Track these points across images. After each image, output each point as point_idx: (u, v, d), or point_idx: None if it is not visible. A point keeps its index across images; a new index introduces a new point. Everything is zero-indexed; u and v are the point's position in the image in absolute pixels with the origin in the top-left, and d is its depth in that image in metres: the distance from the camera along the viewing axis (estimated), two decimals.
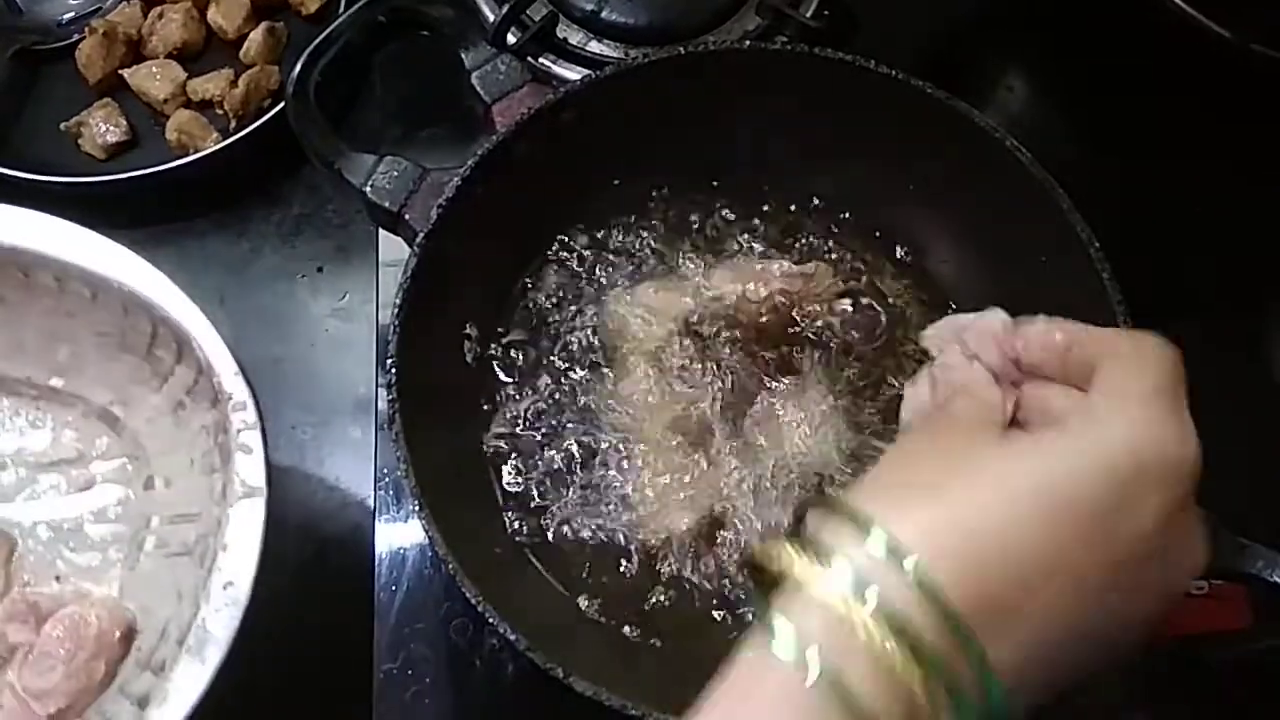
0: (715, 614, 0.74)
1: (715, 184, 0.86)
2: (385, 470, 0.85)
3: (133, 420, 0.80)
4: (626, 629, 0.73)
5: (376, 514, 0.84)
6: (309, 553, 0.85)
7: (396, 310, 0.70)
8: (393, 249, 0.87)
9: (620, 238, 0.84)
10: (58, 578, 0.78)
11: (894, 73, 0.76)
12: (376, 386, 0.88)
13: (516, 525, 0.76)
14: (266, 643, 0.78)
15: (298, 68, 0.76)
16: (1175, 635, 0.83)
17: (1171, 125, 1.00)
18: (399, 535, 0.84)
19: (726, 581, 0.75)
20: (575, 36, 0.97)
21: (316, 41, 0.76)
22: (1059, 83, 1.06)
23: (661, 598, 0.74)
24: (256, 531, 0.65)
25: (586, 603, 0.74)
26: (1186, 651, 0.83)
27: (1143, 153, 1.00)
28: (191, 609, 0.65)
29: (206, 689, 0.62)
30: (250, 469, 0.67)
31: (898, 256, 0.84)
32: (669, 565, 0.75)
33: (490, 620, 0.63)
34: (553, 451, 0.78)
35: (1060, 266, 0.74)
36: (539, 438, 0.78)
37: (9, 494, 0.80)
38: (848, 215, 0.85)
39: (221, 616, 0.63)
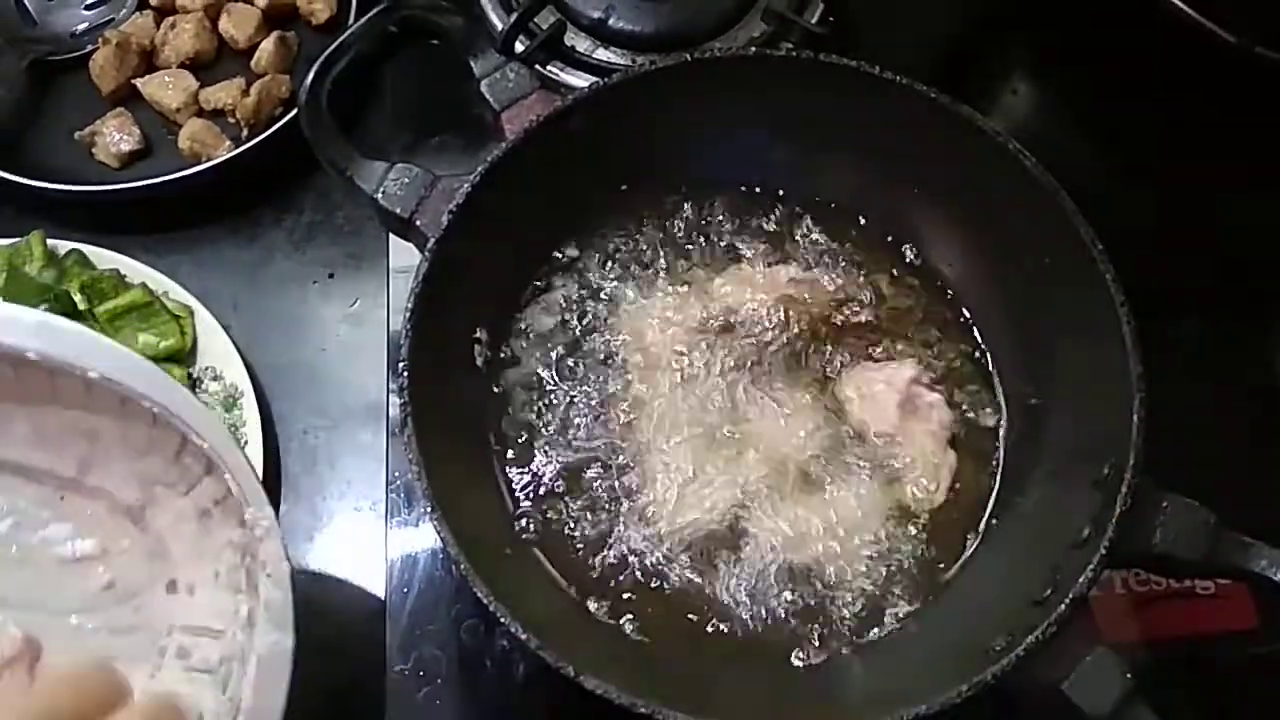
0: (722, 624, 0.75)
1: (723, 189, 0.87)
2: (396, 474, 0.86)
3: (157, 520, 0.76)
4: (633, 631, 0.74)
5: (388, 517, 0.85)
6: (320, 555, 0.86)
7: (408, 314, 0.71)
8: (404, 256, 0.88)
9: (628, 243, 0.85)
10: None
11: (899, 78, 0.77)
12: (388, 391, 0.89)
13: (527, 526, 0.76)
14: None
15: (310, 76, 0.76)
16: (1181, 636, 0.83)
17: (1174, 127, 1.01)
18: (410, 538, 0.85)
19: (737, 586, 0.75)
20: (583, 44, 0.98)
21: (329, 50, 0.77)
22: (1063, 86, 1.06)
23: (670, 602, 0.75)
24: (284, 676, 0.64)
25: (595, 605, 0.75)
26: (1192, 652, 0.83)
27: (1146, 154, 1.01)
28: None
29: None
30: (280, 609, 0.65)
31: (905, 259, 0.85)
32: (680, 569, 0.75)
33: (502, 619, 0.63)
34: (564, 455, 0.78)
35: (1064, 268, 0.75)
36: (550, 441, 0.79)
37: (29, 590, 0.76)
38: (856, 219, 0.86)
39: None
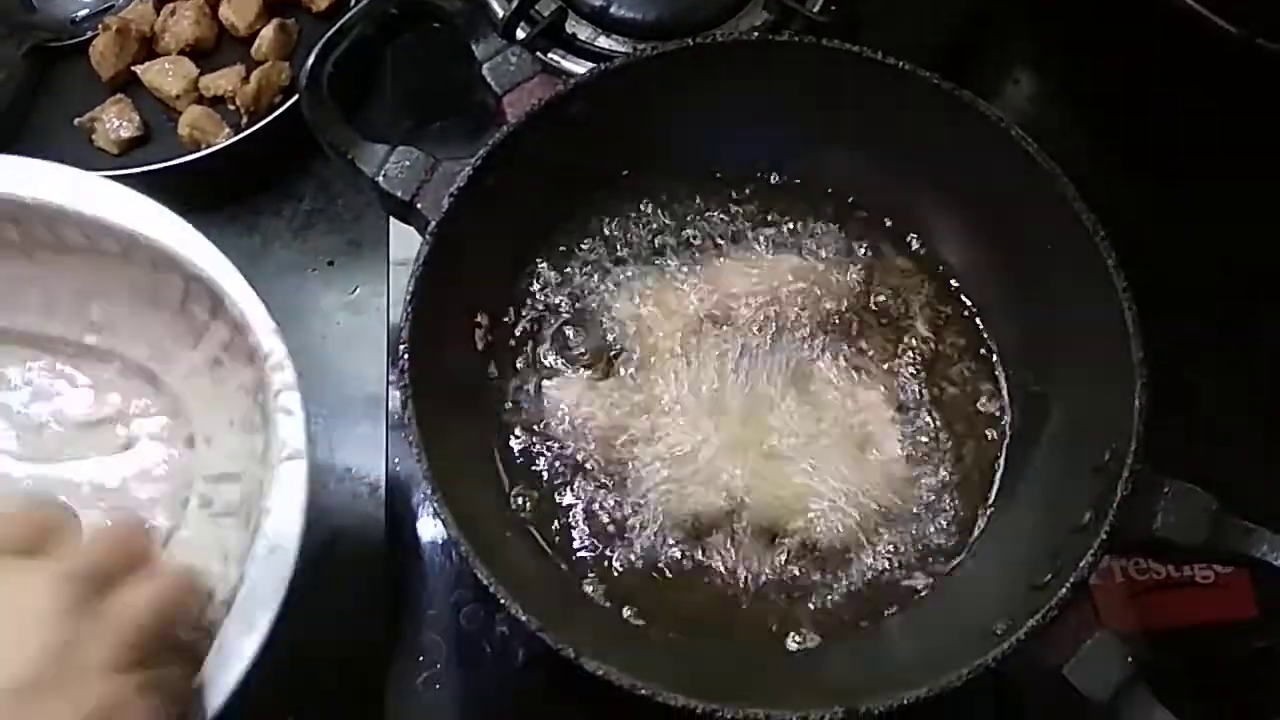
0: (720, 607, 0.75)
1: (724, 175, 0.87)
2: (396, 460, 0.86)
3: (170, 377, 0.79)
4: (629, 614, 0.74)
5: (388, 503, 0.85)
6: (320, 542, 0.85)
7: (409, 298, 0.71)
8: (404, 245, 0.88)
9: (629, 228, 0.85)
10: None
11: (901, 63, 0.77)
12: (388, 379, 0.89)
13: (525, 508, 0.77)
14: (279, 632, 0.79)
15: (311, 59, 0.76)
16: (1181, 625, 0.83)
17: (1176, 118, 1.01)
18: (410, 523, 0.85)
19: (734, 569, 0.75)
20: (584, 32, 0.98)
21: (330, 34, 0.77)
22: (1065, 76, 1.06)
23: (668, 585, 0.75)
24: (300, 494, 0.64)
25: (592, 588, 0.75)
26: (1192, 641, 0.83)
27: (1146, 145, 1.01)
28: (238, 571, 0.64)
29: (257, 656, 0.62)
30: (291, 431, 0.66)
31: (908, 246, 0.85)
32: (677, 552, 0.76)
33: (502, 601, 0.63)
34: (564, 439, 0.78)
35: (1066, 254, 0.75)
36: (549, 424, 0.79)
37: (54, 455, 0.79)
38: (858, 207, 0.86)
39: (268, 581, 0.63)
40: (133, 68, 0.98)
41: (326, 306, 0.94)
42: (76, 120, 0.96)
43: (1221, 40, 0.93)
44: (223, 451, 0.77)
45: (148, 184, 0.90)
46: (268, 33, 0.99)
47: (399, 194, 0.75)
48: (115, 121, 0.96)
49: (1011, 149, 0.75)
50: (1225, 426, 0.89)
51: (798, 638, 0.73)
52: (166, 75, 0.98)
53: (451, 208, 0.73)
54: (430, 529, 0.84)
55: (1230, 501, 0.69)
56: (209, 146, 0.94)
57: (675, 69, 0.79)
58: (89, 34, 1.00)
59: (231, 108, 0.97)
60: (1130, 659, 0.65)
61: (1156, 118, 1.01)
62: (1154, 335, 0.70)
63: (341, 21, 0.77)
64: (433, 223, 0.72)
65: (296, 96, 0.90)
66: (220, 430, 0.77)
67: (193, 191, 0.94)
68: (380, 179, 0.75)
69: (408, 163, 0.75)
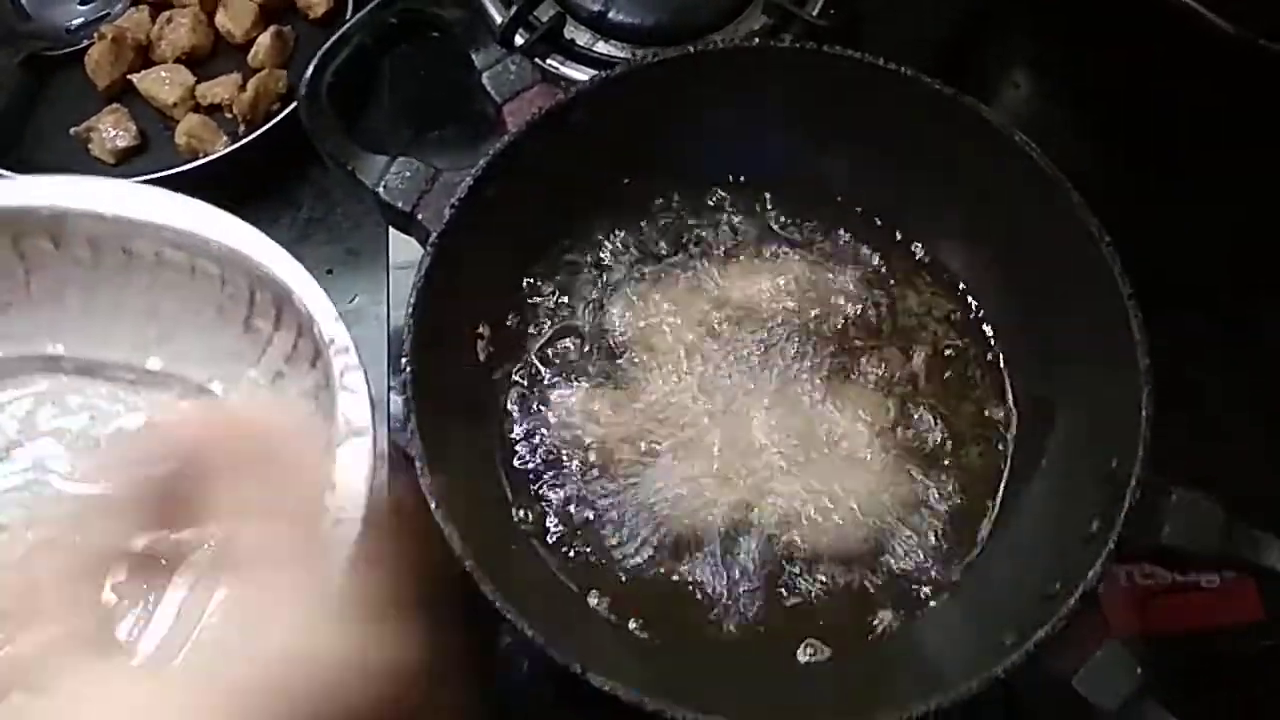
0: (727, 619, 0.74)
1: (726, 182, 0.86)
2: (397, 471, 0.85)
3: (230, 397, 0.80)
4: (635, 627, 0.74)
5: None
6: None
7: (410, 310, 0.70)
8: (404, 252, 0.88)
9: (631, 236, 0.84)
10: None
11: (903, 69, 0.76)
12: (388, 387, 0.88)
13: (528, 520, 0.76)
14: None
15: (310, 70, 0.76)
16: (1188, 629, 0.83)
17: (1177, 120, 1.00)
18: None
19: (741, 582, 0.75)
20: (583, 37, 0.97)
21: (328, 44, 0.77)
22: (1065, 79, 1.06)
23: (673, 598, 0.74)
24: (364, 468, 0.65)
25: (596, 600, 0.74)
26: (1198, 645, 0.83)
27: (1149, 147, 1.01)
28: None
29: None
30: (356, 409, 0.67)
31: (912, 252, 0.85)
32: (683, 564, 0.75)
33: (508, 616, 0.63)
34: (567, 449, 0.78)
35: (1070, 259, 0.74)
36: (553, 435, 0.78)
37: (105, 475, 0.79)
38: (861, 212, 0.85)
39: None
40: (129, 76, 0.98)
41: None
42: (72, 130, 0.96)
43: (1222, 40, 0.93)
44: None
45: None
46: (264, 40, 0.99)
47: (400, 205, 0.74)
48: (111, 131, 0.96)
49: (1016, 156, 0.75)
50: (1228, 424, 0.89)
51: (810, 649, 0.73)
52: (163, 84, 0.97)
53: (453, 219, 0.72)
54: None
55: (1232, 498, 0.69)
56: (206, 155, 0.94)
57: (676, 76, 0.78)
58: (84, 43, 0.99)
59: (229, 116, 0.97)
60: (1139, 670, 0.64)
61: (1157, 116, 1.01)
62: (1157, 332, 0.70)
63: (340, 32, 0.77)
64: (434, 234, 0.72)
65: (294, 104, 0.90)
66: None
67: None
68: (381, 190, 0.74)
69: (408, 174, 0.75)
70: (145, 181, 0.89)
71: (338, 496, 0.64)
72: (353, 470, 0.65)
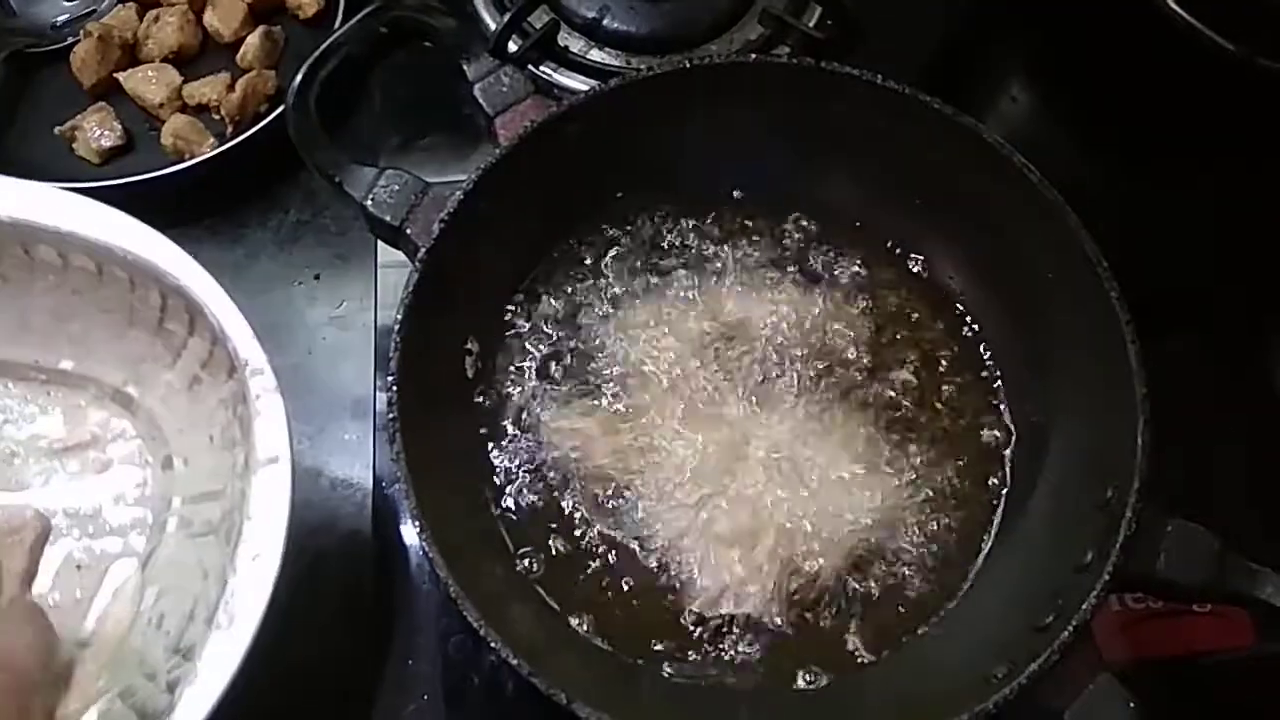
0: (720, 641, 0.74)
1: (720, 197, 0.85)
2: (384, 481, 0.84)
3: (147, 400, 0.78)
4: (622, 653, 0.73)
5: (374, 525, 0.84)
6: (305, 566, 0.83)
7: (397, 326, 0.69)
8: (391, 251, 0.87)
9: (624, 252, 0.84)
10: (78, 566, 0.76)
11: (901, 87, 0.76)
12: (374, 394, 0.87)
13: (515, 543, 0.75)
14: (262, 659, 0.77)
15: (298, 80, 0.75)
16: (1179, 655, 0.83)
17: (1175, 137, 1.01)
18: (397, 547, 0.83)
19: (733, 605, 0.74)
20: (576, 45, 0.96)
21: (317, 53, 0.76)
22: (1063, 94, 1.05)
23: (661, 623, 0.74)
24: (283, 499, 0.64)
25: (578, 621, 0.74)
26: (1189, 671, 0.83)
27: (1146, 163, 1.01)
28: (218, 587, 0.63)
29: (241, 665, 0.61)
30: (271, 435, 0.65)
31: (910, 270, 0.84)
32: (672, 590, 0.74)
33: (493, 644, 0.62)
34: (555, 469, 0.77)
35: (1068, 282, 0.74)
36: (541, 455, 0.78)
37: (25, 482, 0.78)
38: (858, 230, 0.85)
39: (250, 590, 0.61)
40: (115, 75, 0.96)
41: (312, 321, 0.92)
42: (57, 129, 0.95)
43: (1221, 58, 0.93)
44: (202, 470, 0.76)
45: (130, 195, 0.89)
46: (253, 40, 0.97)
47: (388, 219, 0.73)
48: (97, 130, 0.94)
49: (1015, 177, 0.74)
50: (1223, 453, 0.88)
51: (807, 677, 0.72)
52: (149, 83, 0.96)
53: (442, 233, 0.72)
54: (417, 554, 0.83)
55: (1233, 538, 0.68)
56: (193, 156, 0.92)
57: (671, 90, 0.78)
58: (70, 40, 0.98)
59: (216, 117, 0.96)
60: (1132, 704, 0.64)
61: (1155, 132, 1.01)
62: (1154, 355, 0.70)
63: (329, 41, 0.76)
64: (423, 249, 0.71)
65: (283, 106, 0.88)
66: (199, 449, 0.76)
67: (176, 203, 0.93)
68: (369, 203, 0.74)
69: (397, 186, 0.74)
70: (131, 184, 0.89)
71: (255, 528, 0.63)
72: (269, 501, 0.64)
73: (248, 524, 0.63)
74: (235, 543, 0.63)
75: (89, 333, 0.78)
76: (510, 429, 0.78)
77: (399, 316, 0.70)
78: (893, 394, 0.80)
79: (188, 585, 0.72)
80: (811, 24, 0.96)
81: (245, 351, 0.68)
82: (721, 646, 0.73)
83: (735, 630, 0.74)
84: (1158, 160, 1.01)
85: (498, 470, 0.77)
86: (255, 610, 0.61)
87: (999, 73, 1.06)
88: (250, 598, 0.62)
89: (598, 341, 0.81)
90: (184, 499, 0.77)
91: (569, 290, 0.83)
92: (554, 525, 0.76)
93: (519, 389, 0.80)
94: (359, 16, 0.78)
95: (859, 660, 0.73)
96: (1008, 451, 0.79)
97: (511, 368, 0.80)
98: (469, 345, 0.79)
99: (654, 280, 0.83)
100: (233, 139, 0.92)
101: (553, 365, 0.80)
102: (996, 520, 0.77)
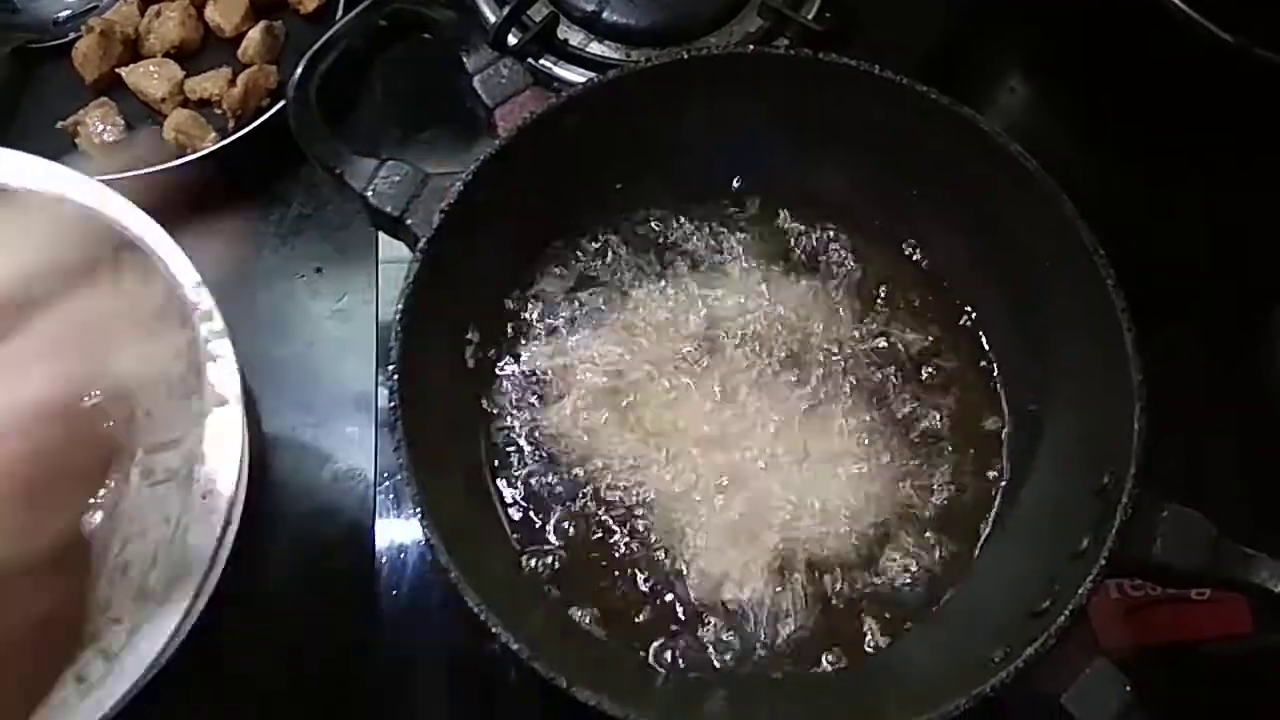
0: (717, 627, 0.74)
1: (720, 188, 0.86)
2: (385, 473, 0.85)
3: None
4: (622, 641, 0.73)
5: (376, 516, 0.84)
6: (308, 556, 0.85)
7: (399, 316, 0.70)
8: (393, 246, 0.87)
9: (623, 243, 0.84)
10: None
11: (899, 78, 0.76)
12: (376, 387, 0.88)
13: (516, 533, 0.76)
14: (265, 647, 0.78)
15: (298, 73, 0.75)
16: (1177, 641, 0.83)
17: (1173, 128, 1.00)
18: (399, 538, 0.83)
19: (730, 593, 0.74)
20: (576, 38, 0.96)
21: (316, 46, 0.76)
22: (1061, 85, 1.05)
23: (660, 613, 0.74)
24: (235, 438, 0.64)
25: (581, 612, 0.74)
26: (1187, 657, 0.83)
27: (1144, 155, 1.01)
28: (176, 531, 0.64)
29: (190, 604, 0.61)
30: (222, 377, 0.66)
31: (909, 259, 0.84)
32: (668, 579, 0.75)
33: (494, 629, 0.62)
34: (556, 460, 0.78)
35: (1064, 272, 0.74)
36: (542, 445, 0.78)
37: None
38: (857, 218, 0.85)
39: (202, 527, 0.62)
40: (117, 70, 0.97)
41: (315, 314, 0.93)
42: (60, 123, 0.95)
43: (1218, 49, 0.93)
44: (163, 420, 0.74)
45: (131, 189, 0.90)
46: (254, 35, 0.97)
47: (389, 210, 0.73)
48: (99, 125, 0.94)
49: (1012, 167, 0.74)
50: (1220, 439, 0.89)
51: (813, 666, 0.73)
52: (151, 78, 0.96)
53: (442, 224, 0.72)
54: (420, 545, 0.83)
55: (1228, 523, 0.68)
56: (195, 151, 0.92)
57: (669, 81, 0.78)
58: (72, 35, 0.98)
59: (218, 111, 0.96)
60: (1129, 688, 0.64)
61: (1153, 123, 1.01)
62: (1150, 343, 0.70)
63: (328, 34, 0.76)
64: (423, 239, 0.71)
65: (284, 103, 0.89)
66: (159, 401, 0.75)
67: (178, 197, 0.93)
68: (369, 194, 0.74)
69: (397, 178, 0.74)
70: (132, 178, 0.89)
71: (207, 469, 0.64)
72: (221, 441, 0.65)
73: (199, 465, 0.64)
74: (191, 485, 0.64)
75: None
76: (511, 420, 0.79)
77: (399, 306, 0.70)
78: (891, 383, 0.80)
79: (151, 532, 0.71)
80: (810, 16, 0.96)
81: (194, 295, 0.69)
82: (722, 637, 0.73)
83: (737, 621, 0.74)
84: (1155, 151, 1.01)
85: (499, 460, 0.78)
86: (207, 549, 0.62)
87: (997, 64, 1.06)
88: (202, 536, 0.62)
89: (598, 332, 0.81)
90: (145, 448, 0.75)
91: (568, 281, 0.83)
92: (555, 516, 0.76)
93: (520, 379, 0.80)
94: (358, 9, 0.78)
95: (864, 649, 0.74)
96: (1005, 439, 0.79)
97: (512, 358, 0.81)
98: (470, 335, 0.79)
99: (654, 270, 0.83)
100: (234, 133, 0.93)
101: (552, 355, 0.80)
102: (995, 507, 0.77)
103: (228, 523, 0.63)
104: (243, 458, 0.65)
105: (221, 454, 0.64)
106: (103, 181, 0.87)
